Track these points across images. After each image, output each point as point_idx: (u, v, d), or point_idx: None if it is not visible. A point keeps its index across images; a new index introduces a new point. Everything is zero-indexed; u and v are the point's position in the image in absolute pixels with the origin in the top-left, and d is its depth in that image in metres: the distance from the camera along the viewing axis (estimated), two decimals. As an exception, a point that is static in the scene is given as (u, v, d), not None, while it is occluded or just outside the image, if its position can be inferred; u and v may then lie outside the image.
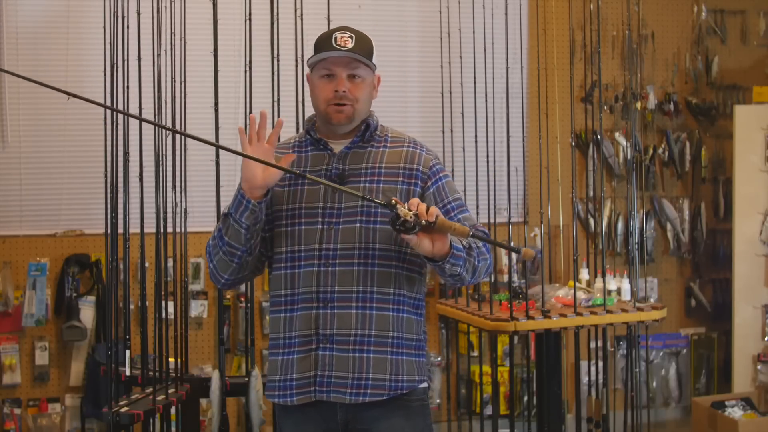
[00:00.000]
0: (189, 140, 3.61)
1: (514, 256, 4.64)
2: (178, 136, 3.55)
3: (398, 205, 1.99)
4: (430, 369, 2.40)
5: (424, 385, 2.28)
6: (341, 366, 2.17)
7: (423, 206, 2.00)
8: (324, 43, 2.21)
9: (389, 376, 2.19)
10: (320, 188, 2.22)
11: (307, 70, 2.30)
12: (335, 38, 2.19)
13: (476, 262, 2.19)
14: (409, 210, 1.99)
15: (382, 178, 2.23)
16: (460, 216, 2.25)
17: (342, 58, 2.19)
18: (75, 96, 2.10)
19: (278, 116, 3.67)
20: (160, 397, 3.28)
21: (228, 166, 3.69)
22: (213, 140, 3.53)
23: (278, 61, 3.71)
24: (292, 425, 2.26)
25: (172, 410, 3.44)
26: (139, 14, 3.56)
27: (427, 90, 4.74)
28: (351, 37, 2.20)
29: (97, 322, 4.47)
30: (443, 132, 4.45)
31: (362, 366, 2.17)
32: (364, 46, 2.21)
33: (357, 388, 2.17)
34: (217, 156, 3.55)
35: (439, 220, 2.01)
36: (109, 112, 3.50)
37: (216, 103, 3.57)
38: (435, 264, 2.12)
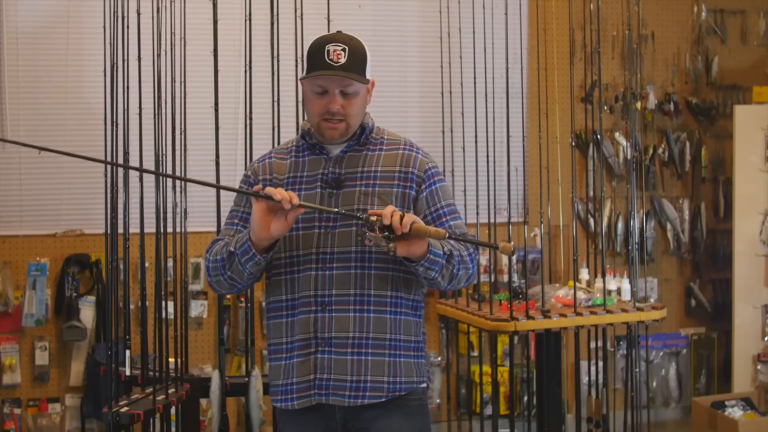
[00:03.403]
0: (189, 140, 3.61)
1: (515, 256, 4.65)
2: (177, 136, 3.55)
3: (371, 223, 2.03)
4: (430, 369, 2.40)
5: (423, 385, 2.29)
6: (339, 369, 2.18)
7: (396, 217, 2.01)
8: (316, 57, 2.18)
9: (387, 378, 2.20)
10: (317, 192, 2.23)
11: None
12: (328, 52, 2.16)
13: (455, 270, 2.17)
14: (383, 224, 2.02)
15: (377, 182, 2.23)
16: (451, 222, 2.24)
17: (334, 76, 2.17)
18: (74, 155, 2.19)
19: (278, 116, 3.67)
20: (160, 397, 3.28)
21: (228, 166, 3.69)
22: (213, 140, 3.55)
23: (278, 61, 3.70)
24: (293, 427, 2.27)
25: (172, 410, 3.44)
26: (139, 14, 3.55)
27: (427, 90, 4.74)
28: (344, 50, 2.16)
29: (97, 322, 4.47)
30: (443, 132, 4.45)
31: (360, 369, 2.18)
32: (357, 59, 2.18)
33: (356, 390, 2.18)
34: (217, 156, 3.55)
35: (413, 227, 2.02)
36: (109, 111, 3.51)
37: (216, 103, 3.57)
38: (410, 264, 2.13)
